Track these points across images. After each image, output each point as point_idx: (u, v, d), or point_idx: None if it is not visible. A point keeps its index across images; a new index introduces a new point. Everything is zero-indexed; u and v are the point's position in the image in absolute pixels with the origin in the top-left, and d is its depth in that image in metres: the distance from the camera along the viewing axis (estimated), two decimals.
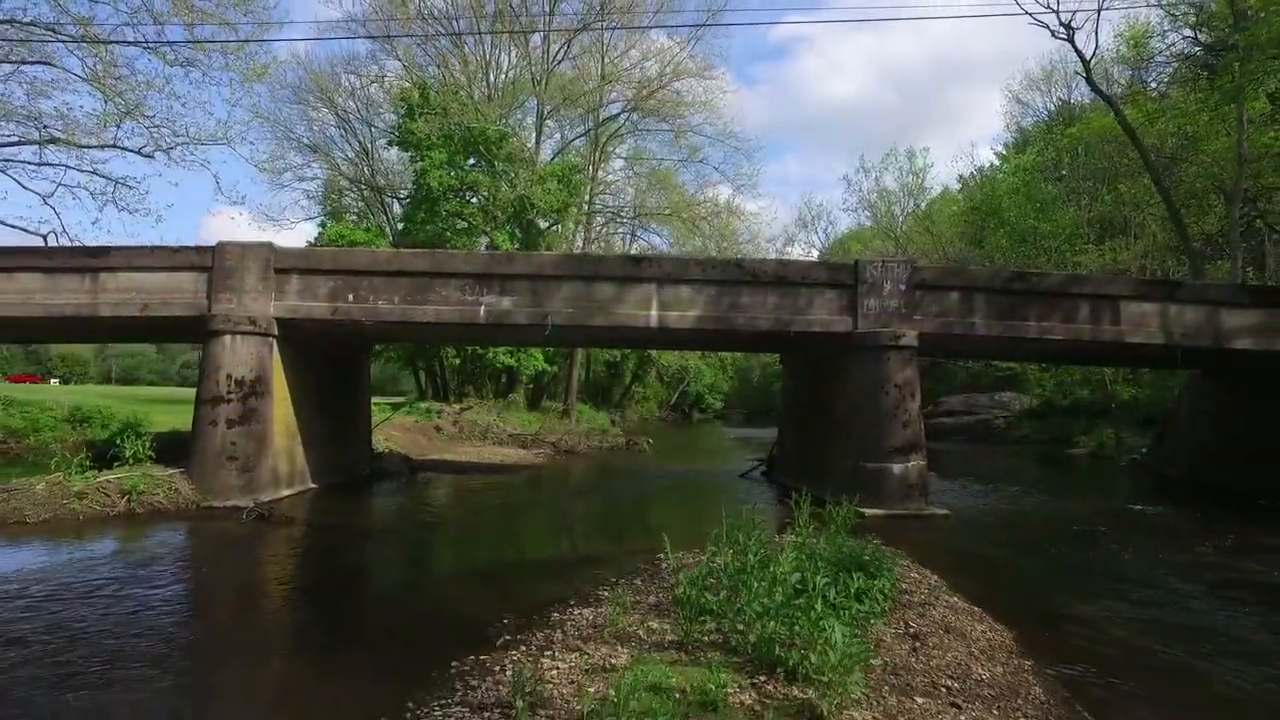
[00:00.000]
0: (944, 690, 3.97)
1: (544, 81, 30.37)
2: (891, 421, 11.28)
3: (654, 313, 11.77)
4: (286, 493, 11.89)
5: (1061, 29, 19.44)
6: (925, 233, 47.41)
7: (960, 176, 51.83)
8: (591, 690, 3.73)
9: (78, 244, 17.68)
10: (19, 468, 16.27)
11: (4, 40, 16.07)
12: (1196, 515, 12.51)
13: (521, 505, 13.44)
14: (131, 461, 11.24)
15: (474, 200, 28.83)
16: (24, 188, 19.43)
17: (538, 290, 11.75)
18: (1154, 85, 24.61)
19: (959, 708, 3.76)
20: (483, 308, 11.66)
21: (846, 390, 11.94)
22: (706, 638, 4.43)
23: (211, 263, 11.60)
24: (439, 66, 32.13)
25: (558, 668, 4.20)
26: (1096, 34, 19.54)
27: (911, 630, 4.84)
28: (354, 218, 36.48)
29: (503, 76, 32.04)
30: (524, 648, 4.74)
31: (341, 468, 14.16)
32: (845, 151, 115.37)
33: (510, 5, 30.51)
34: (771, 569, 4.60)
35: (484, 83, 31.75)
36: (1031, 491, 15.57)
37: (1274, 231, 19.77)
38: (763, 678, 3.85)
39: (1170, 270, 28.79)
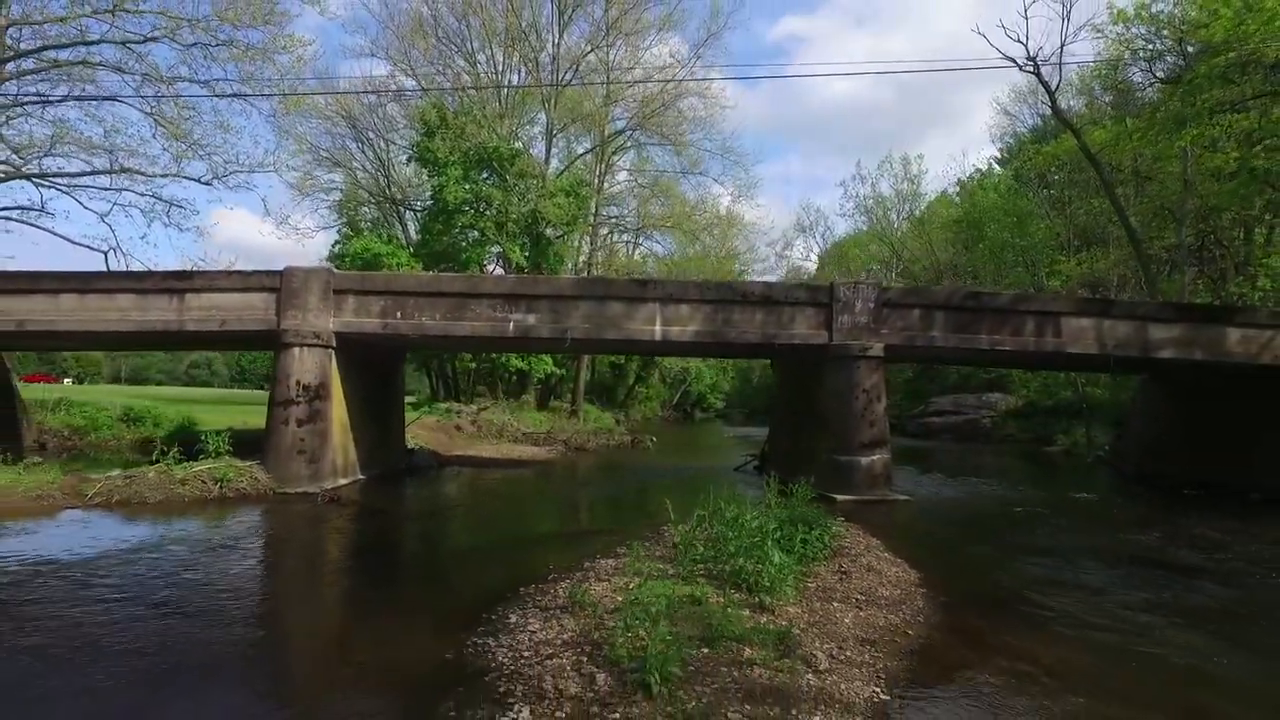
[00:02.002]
0: (854, 600, 5.94)
1: (553, 101, 32.34)
2: (860, 421, 13.24)
3: (658, 327, 13.73)
4: (342, 482, 13.84)
5: (1029, 63, 21.37)
6: (919, 238, 49.40)
7: (959, 180, 53.76)
8: (619, 598, 5.70)
9: (137, 267, 19.65)
10: (81, 462, 18.29)
11: (77, 80, 18.03)
12: (1127, 503, 14.47)
13: (544, 493, 15.44)
14: (214, 455, 13.21)
15: (487, 212, 30.81)
16: (85, 208, 21.50)
17: (558, 308, 13.72)
18: (1130, 104, 26.55)
19: (860, 609, 5.73)
20: (511, 323, 13.64)
21: (823, 394, 13.88)
22: (697, 571, 6.38)
23: (279, 285, 13.58)
24: (453, 84, 34.21)
25: (595, 589, 6.17)
26: (1060, 69, 21.29)
27: (842, 569, 6.81)
28: (367, 226, 38.49)
29: (514, 96, 34.00)
30: (568, 581, 6.70)
31: (383, 461, 16.12)
32: (846, 151, 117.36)
33: (521, 27, 32.49)
34: (741, 523, 6.56)
35: (496, 101, 33.73)
36: (994, 483, 17.52)
37: (1222, 247, 21.68)
38: (732, 590, 5.82)
39: (1141, 279, 30.66)
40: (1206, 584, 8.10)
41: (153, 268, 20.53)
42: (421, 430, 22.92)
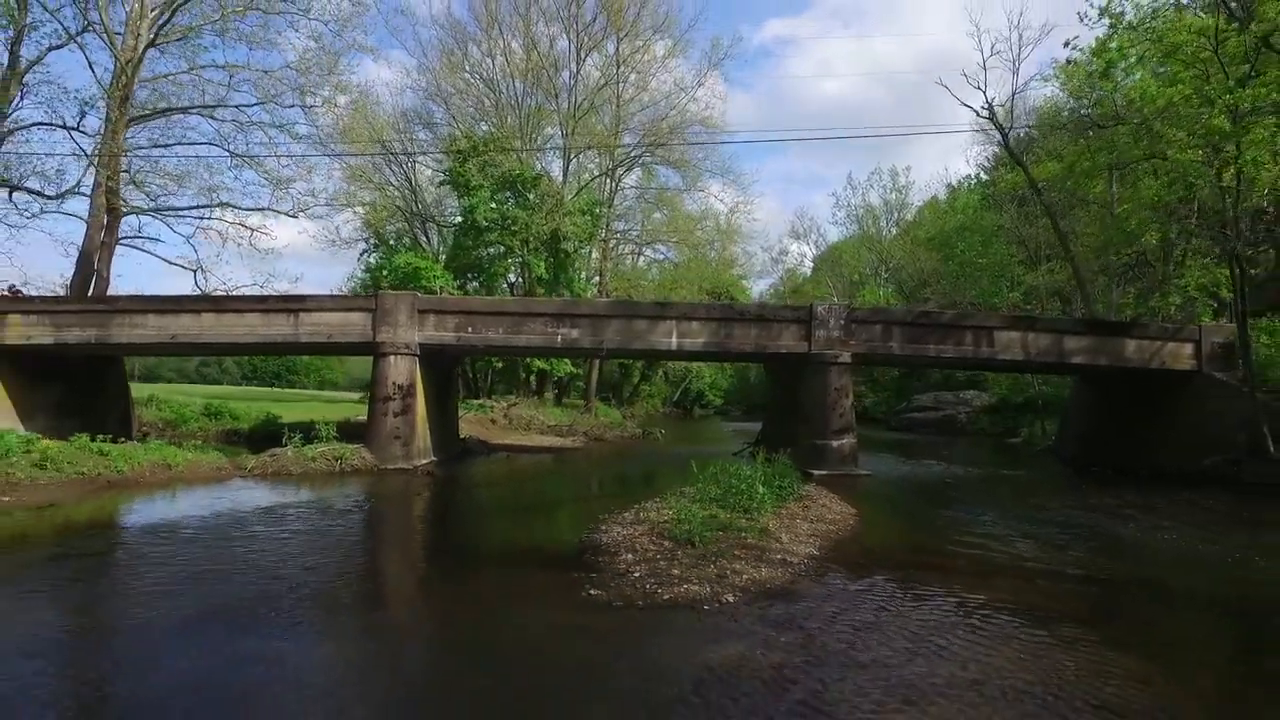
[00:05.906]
0: (810, 519, 9.64)
1: (570, 129, 36.00)
2: (832, 413, 16.91)
3: (674, 339, 17.40)
4: (424, 462, 17.46)
5: (984, 108, 25.04)
6: (904, 247, 53.15)
7: (949, 184, 57.46)
8: (667, 517, 9.38)
9: (215, 283, 23.19)
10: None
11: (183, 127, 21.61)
12: (1043, 478, 18.18)
13: (583, 470, 19.12)
14: (326, 440, 16.81)
15: (514, 228, 34.45)
16: (173, 230, 25.04)
17: (595, 325, 17.38)
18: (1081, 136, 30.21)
19: (812, 523, 9.43)
20: (559, 336, 17.29)
21: (803, 392, 17.55)
22: (713, 505, 10.03)
23: (375, 306, 17.21)
24: (476, 109, 38.01)
25: (650, 515, 9.83)
26: (1011, 114, 24.94)
27: (805, 505, 10.52)
28: (392, 238, 42.10)
29: (533, 123, 37.65)
30: (629, 513, 10.35)
31: (447, 447, 19.76)
32: (841, 147, 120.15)
33: (541, 63, 36.12)
34: (740, 474, 10.25)
35: (518, 129, 37.37)
36: (949, 466, 21.16)
37: (1149, 266, 25.37)
38: (734, 512, 9.49)
39: (1096, 288, 34.39)
40: (1061, 525, 11.64)
41: (228, 283, 24.27)
42: (463, 423, 26.57)
